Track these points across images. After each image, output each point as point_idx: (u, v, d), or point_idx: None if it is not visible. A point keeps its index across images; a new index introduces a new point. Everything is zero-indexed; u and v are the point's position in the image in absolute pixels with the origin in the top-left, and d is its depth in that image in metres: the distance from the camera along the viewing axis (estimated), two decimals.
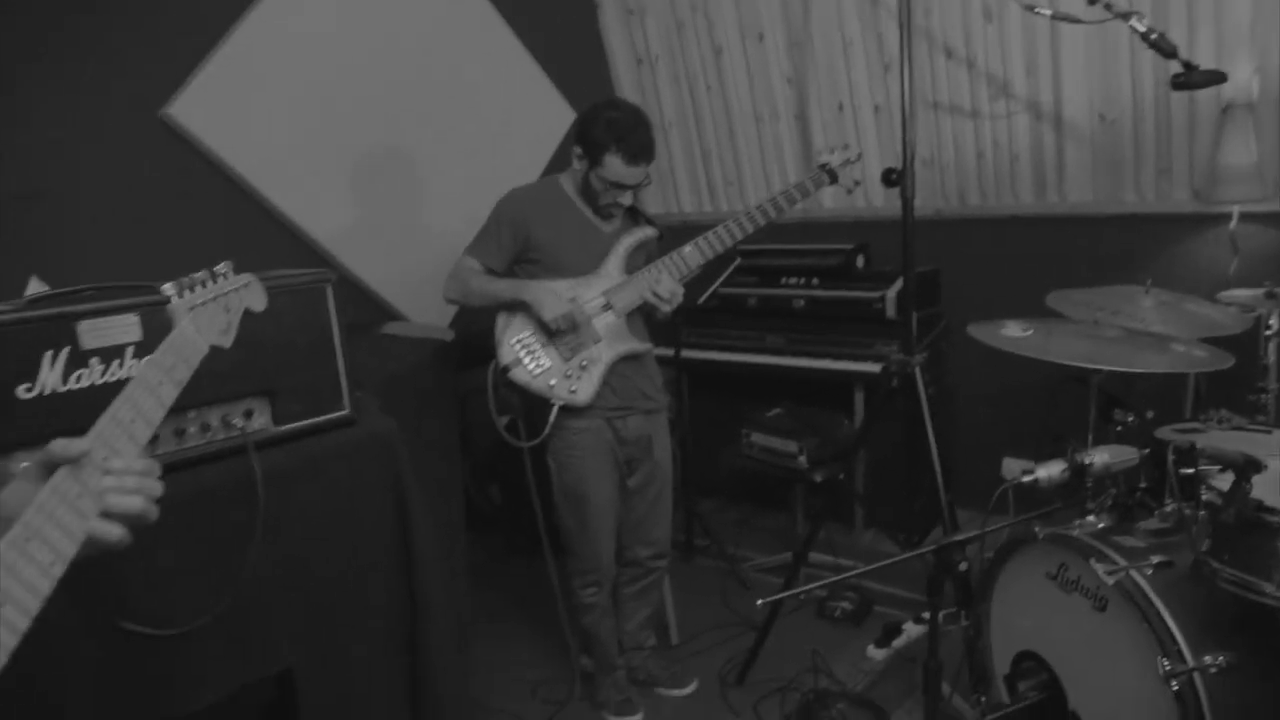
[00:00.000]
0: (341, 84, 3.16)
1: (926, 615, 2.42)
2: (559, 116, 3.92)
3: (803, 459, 3.18)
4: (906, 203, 2.50)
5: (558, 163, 3.84)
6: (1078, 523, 2.00)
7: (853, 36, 3.61)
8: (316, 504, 1.79)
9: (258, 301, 1.37)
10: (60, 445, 0.90)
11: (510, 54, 3.77)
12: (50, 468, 0.90)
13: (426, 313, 3.44)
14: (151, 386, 1.05)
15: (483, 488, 3.76)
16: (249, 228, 3.02)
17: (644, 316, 2.52)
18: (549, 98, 3.92)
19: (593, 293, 2.40)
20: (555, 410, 2.36)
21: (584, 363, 2.37)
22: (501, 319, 2.40)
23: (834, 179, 2.58)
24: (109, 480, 0.92)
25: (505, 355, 2.37)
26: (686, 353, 3.73)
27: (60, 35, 2.55)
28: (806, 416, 3.40)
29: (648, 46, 4.15)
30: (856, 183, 2.63)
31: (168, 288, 1.22)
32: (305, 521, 1.76)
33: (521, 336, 2.37)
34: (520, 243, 2.41)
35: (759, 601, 1.94)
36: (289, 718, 1.82)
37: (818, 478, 3.14)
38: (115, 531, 0.91)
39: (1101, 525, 1.97)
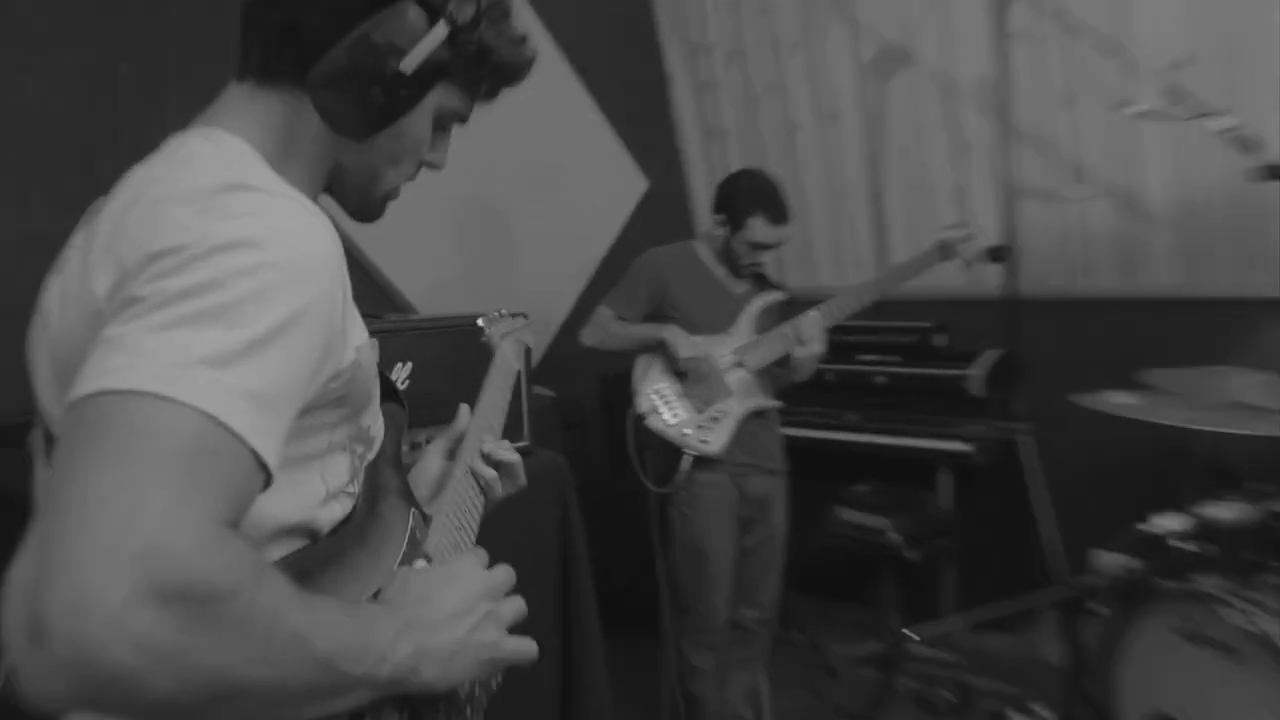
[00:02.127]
0: None
1: (1034, 706, 2.69)
2: (633, 185, 4.39)
3: (894, 535, 3.35)
4: (1011, 280, 2.89)
5: (633, 228, 4.30)
6: (1200, 579, 2.31)
7: (930, 119, 4.07)
8: (498, 520, 2.11)
9: (530, 338, 1.77)
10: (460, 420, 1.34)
11: (592, 124, 4.23)
12: (455, 441, 1.33)
13: None
14: (499, 388, 1.48)
15: None
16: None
17: (771, 379, 2.85)
18: (625, 167, 4.38)
19: (724, 349, 2.75)
20: (688, 460, 2.67)
21: (716, 415, 2.70)
22: (639, 368, 2.74)
23: (949, 256, 2.87)
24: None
25: (642, 404, 2.70)
26: None
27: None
28: (893, 494, 3.56)
29: (719, 121, 4.62)
30: (976, 258, 2.92)
31: (480, 321, 1.65)
32: (489, 532, 2.09)
33: (658, 387, 2.70)
34: (656, 299, 2.77)
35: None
36: None
37: (911, 556, 3.34)
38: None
39: (1225, 581, 2.28)
